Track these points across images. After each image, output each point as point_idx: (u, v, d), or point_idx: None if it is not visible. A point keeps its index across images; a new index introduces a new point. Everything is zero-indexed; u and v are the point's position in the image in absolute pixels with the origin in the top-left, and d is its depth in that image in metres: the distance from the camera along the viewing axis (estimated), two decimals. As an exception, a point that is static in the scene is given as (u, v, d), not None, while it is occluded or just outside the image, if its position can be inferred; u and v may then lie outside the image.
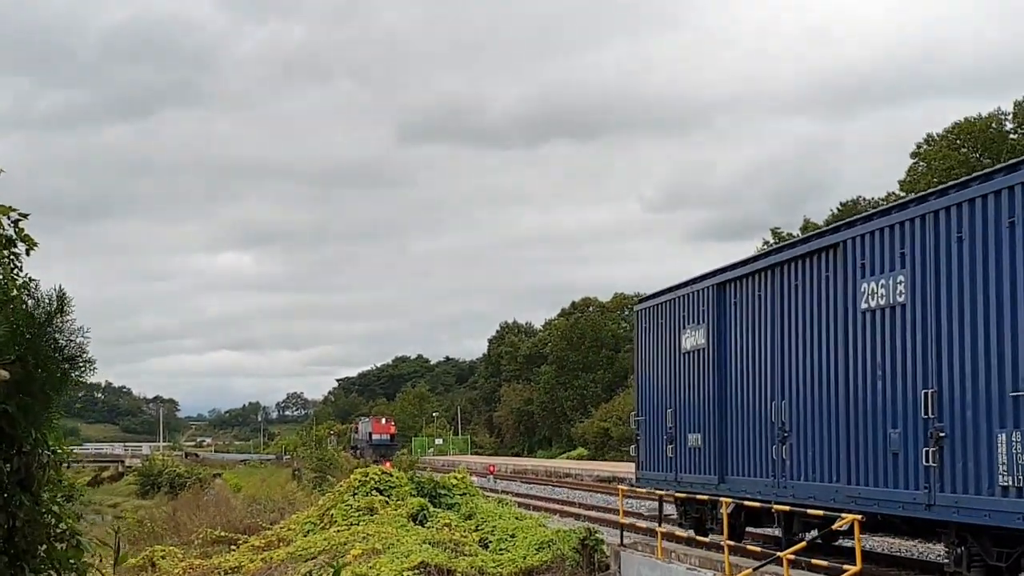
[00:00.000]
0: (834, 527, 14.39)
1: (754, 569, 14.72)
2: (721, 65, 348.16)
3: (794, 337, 17.32)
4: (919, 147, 78.06)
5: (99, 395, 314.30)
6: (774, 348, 17.92)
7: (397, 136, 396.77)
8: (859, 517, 13.84)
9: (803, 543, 14.60)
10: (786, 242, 18.28)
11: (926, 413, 13.71)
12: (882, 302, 14.77)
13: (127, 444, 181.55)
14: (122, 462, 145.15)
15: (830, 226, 16.85)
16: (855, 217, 16.11)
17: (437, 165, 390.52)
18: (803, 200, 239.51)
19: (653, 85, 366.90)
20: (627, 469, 55.48)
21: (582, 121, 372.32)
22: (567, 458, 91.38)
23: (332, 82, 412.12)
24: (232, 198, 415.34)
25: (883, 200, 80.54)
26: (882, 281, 14.79)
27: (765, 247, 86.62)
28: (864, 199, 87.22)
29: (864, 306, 15.18)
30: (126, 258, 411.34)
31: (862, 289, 15.25)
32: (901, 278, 14.39)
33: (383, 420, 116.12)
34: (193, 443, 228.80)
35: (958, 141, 75.90)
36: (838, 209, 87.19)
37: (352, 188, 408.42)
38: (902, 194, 76.07)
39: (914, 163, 78.27)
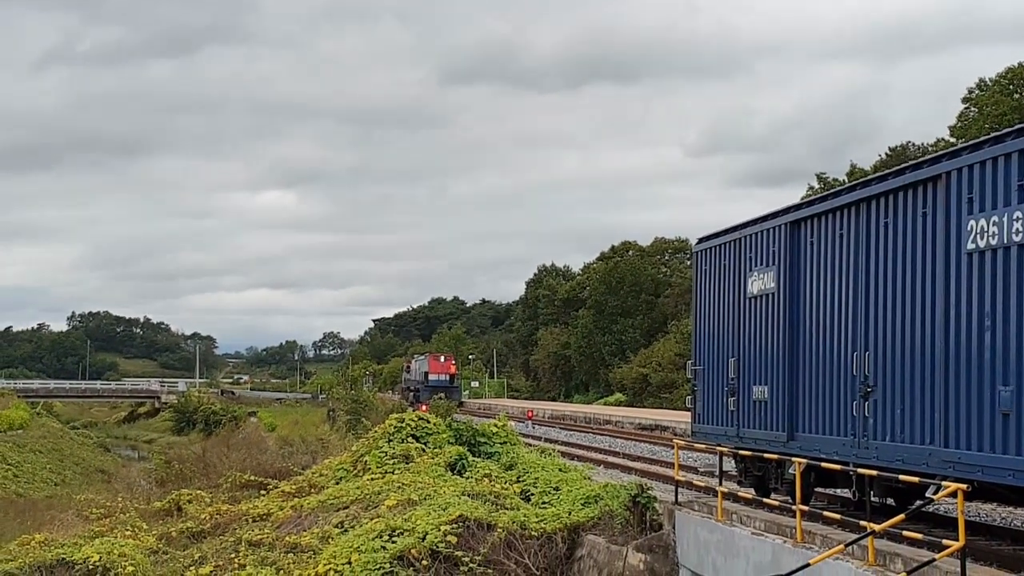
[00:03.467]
0: (936, 497, 12.65)
1: (846, 545, 13.00)
2: (765, 9, 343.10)
3: (882, 281, 15.44)
4: (971, 92, 75.54)
5: (137, 331, 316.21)
6: (857, 293, 16.07)
7: (438, 78, 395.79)
8: (964, 487, 12.09)
9: (901, 516, 12.86)
10: (874, 175, 16.36)
11: (1047, 369, 11.90)
12: (994, 241, 12.87)
13: (164, 380, 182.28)
14: (158, 398, 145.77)
15: (928, 157, 14.91)
16: (959, 146, 14.18)
17: (477, 107, 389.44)
18: (845, 146, 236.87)
19: (697, 29, 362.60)
20: (670, 417, 53.91)
21: (624, 64, 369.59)
22: (604, 403, 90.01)
23: (375, 23, 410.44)
24: (274, 137, 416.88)
25: (932, 147, 78.08)
26: (994, 218, 12.88)
27: (811, 193, 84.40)
28: (913, 144, 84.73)
29: (971, 246, 13.29)
30: (168, 195, 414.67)
31: (969, 227, 13.35)
32: (1019, 214, 12.47)
33: (442, 358, 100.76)
34: (230, 380, 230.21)
35: (1011, 86, 73.40)
36: (886, 155, 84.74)
37: (393, 129, 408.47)
38: (952, 140, 73.59)
39: (965, 108, 75.78)
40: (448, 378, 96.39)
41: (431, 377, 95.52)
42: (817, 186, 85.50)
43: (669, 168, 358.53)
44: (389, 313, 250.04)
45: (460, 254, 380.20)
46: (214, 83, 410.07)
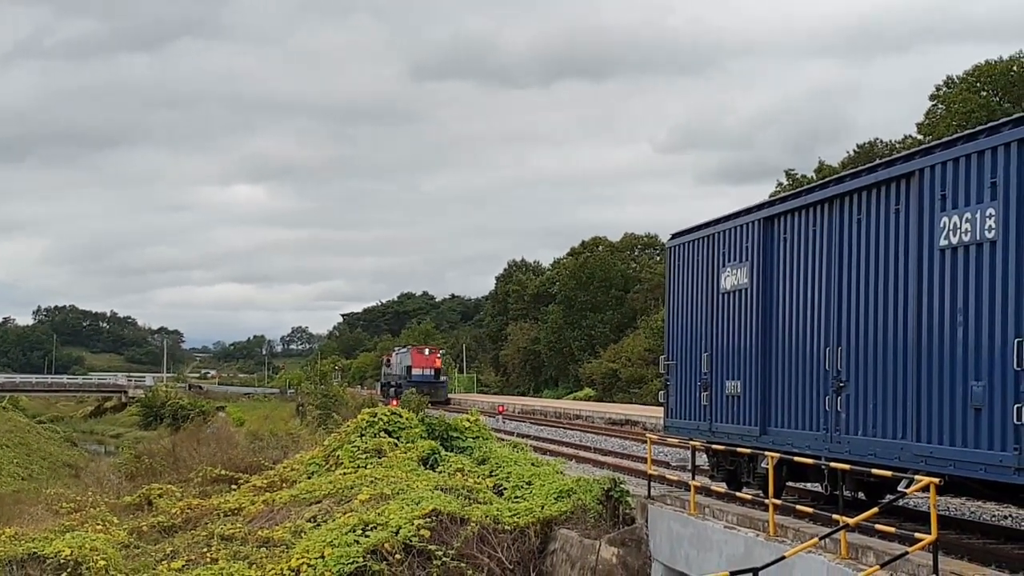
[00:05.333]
0: (908, 491, 12.79)
1: (820, 538, 13.13)
2: (741, 7, 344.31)
3: (855, 277, 15.59)
4: (938, 90, 76.10)
5: (104, 325, 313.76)
6: (830, 289, 16.22)
7: (412, 73, 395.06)
8: (936, 480, 12.24)
9: (875, 509, 13.01)
10: (847, 171, 16.50)
11: (1019, 365, 12.03)
12: (966, 238, 13.03)
13: (131, 375, 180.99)
14: (125, 392, 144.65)
15: (901, 154, 15.07)
16: (932, 144, 14.34)
17: (451, 103, 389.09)
18: (817, 144, 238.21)
19: (671, 26, 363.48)
20: (639, 411, 54.08)
21: (598, 61, 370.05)
22: (574, 398, 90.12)
23: (350, 17, 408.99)
24: (248, 132, 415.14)
25: (900, 143, 78.63)
26: (967, 215, 13.03)
27: (779, 189, 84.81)
28: (881, 142, 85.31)
29: (944, 243, 13.45)
30: (140, 189, 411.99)
31: (941, 224, 13.50)
32: (991, 211, 12.64)
33: (426, 351, 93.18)
34: (197, 375, 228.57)
35: (978, 84, 74.01)
36: (854, 152, 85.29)
37: (367, 125, 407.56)
38: (920, 138, 74.12)
39: (933, 106, 76.33)
40: (433, 373, 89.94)
41: (414, 372, 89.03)
42: (786, 182, 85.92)
43: (642, 165, 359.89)
44: (358, 308, 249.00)
45: (433, 250, 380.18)
46: (188, 78, 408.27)
